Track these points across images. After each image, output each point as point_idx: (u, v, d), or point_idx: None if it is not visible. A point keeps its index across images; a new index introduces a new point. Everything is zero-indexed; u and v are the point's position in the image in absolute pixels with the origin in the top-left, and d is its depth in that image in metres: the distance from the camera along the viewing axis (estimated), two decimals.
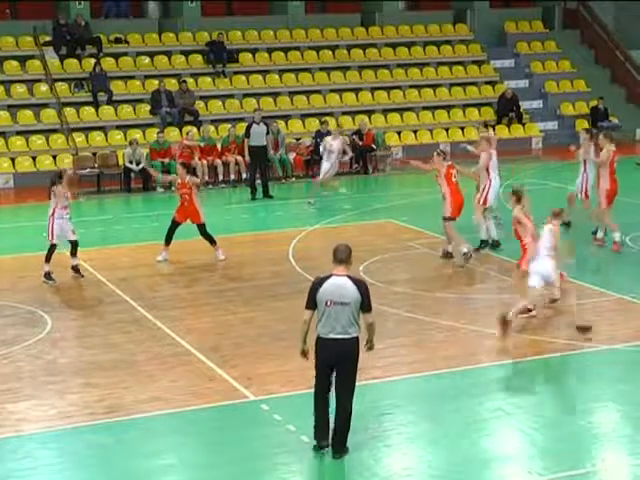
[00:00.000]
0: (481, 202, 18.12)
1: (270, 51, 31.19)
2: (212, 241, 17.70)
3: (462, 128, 30.81)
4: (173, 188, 18.25)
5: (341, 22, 32.63)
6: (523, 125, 31.59)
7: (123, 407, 11.18)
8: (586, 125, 30.32)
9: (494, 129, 28.58)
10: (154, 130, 27.23)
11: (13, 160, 26.44)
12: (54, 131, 27.43)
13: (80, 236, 16.91)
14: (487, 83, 32.82)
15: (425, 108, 31.31)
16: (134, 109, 28.49)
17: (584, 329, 13.17)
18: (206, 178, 25.49)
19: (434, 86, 31.98)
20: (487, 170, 18.18)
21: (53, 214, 16.58)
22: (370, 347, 10.01)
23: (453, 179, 17.12)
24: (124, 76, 29.21)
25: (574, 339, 13.16)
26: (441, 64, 32.75)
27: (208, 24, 30.92)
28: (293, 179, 26.46)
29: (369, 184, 26.68)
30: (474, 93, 32.34)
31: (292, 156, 26.80)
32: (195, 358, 12.76)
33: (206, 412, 11.09)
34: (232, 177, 26.24)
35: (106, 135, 27.57)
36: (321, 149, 24.04)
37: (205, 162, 25.79)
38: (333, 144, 23.23)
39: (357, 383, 9.86)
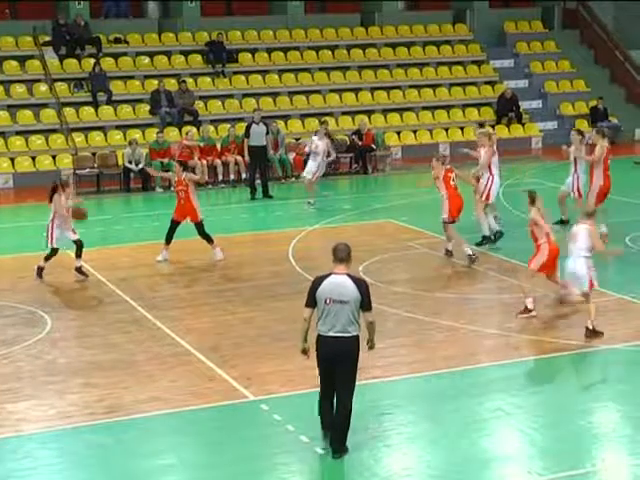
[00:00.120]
0: (483, 198, 18.12)
1: (270, 51, 31.18)
2: (210, 240, 17.69)
3: (462, 128, 30.81)
4: (172, 188, 18.25)
5: (341, 22, 32.61)
6: (523, 125, 31.58)
7: (123, 407, 11.18)
8: (586, 125, 30.36)
9: (493, 129, 28.57)
10: (154, 130, 27.22)
11: (13, 160, 26.42)
12: (54, 131, 27.43)
13: (80, 236, 16.88)
14: (487, 83, 32.81)
15: (425, 108, 31.30)
16: (134, 109, 28.48)
17: (595, 333, 13.13)
18: (206, 178, 25.49)
19: (434, 86, 31.97)
20: (489, 166, 18.19)
21: (53, 219, 16.56)
22: (371, 346, 10.02)
23: (451, 182, 17.12)
24: (124, 76, 29.20)
25: (574, 339, 13.17)
26: (441, 64, 32.74)
27: (208, 24, 30.91)
28: (293, 179, 26.45)
29: (369, 184, 26.68)
30: (474, 93, 32.33)
31: (292, 156, 26.78)
32: (195, 358, 12.75)
33: (206, 412, 11.09)
34: (232, 177, 26.24)
35: (106, 135, 27.56)
36: (307, 149, 24.02)
37: (205, 162, 25.79)
38: (319, 145, 23.12)
39: (357, 383, 9.86)
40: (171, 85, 28.73)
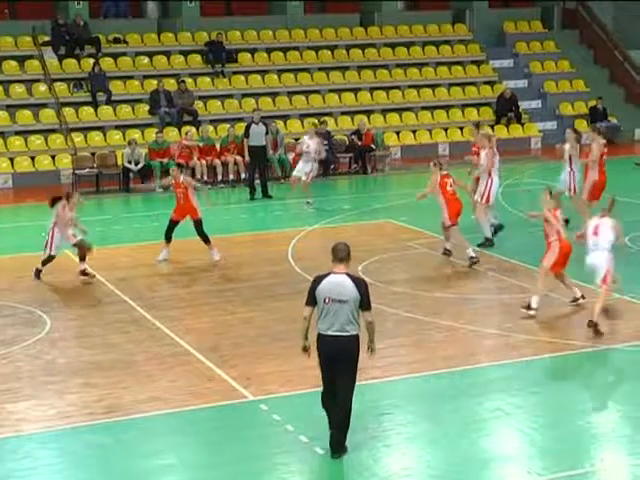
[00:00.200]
0: (484, 200, 18.12)
1: (269, 51, 31.19)
2: (207, 240, 17.66)
3: (461, 128, 30.80)
4: (171, 188, 18.26)
5: (340, 22, 32.62)
6: (522, 125, 31.59)
7: (122, 407, 11.17)
8: (585, 125, 30.36)
9: (492, 129, 28.57)
10: (153, 130, 27.22)
11: (12, 160, 26.42)
12: (53, 131, 27.43)
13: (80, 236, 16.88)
14: (486, 83, 32.82)
15: (424, 108, 31.30)
16: (133, 109, 28.48)
17: (597, 331, 13.12)
18: (205, 178, 25.51)
19: (433, 86, 31.98)
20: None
21: (54, 227, 16.51)
22: (372, 351, 9.97)
23: (448, 188, 17.08)
24: (123, 76, 29.20)
25: (574, 339, 13.17)
26: (440, 64, 32.75)
27: (207, 24, 30.92)
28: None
29: (368, 184, 26.68)
30: (473, 93, 32.34)
31: (291, 156, 26.76)
32: (194, 358, 12.75)
33: (205, 412, 11.09)
34: (231, 177, 26.24)
35: (105, 135, 27.56)
36: (298, 148, 23.99)
37: (204, 162, 25.79)
38: (310, 144, 23.07)
39: (357, 383, 9.86)
40: (170, 85, 28.73)
